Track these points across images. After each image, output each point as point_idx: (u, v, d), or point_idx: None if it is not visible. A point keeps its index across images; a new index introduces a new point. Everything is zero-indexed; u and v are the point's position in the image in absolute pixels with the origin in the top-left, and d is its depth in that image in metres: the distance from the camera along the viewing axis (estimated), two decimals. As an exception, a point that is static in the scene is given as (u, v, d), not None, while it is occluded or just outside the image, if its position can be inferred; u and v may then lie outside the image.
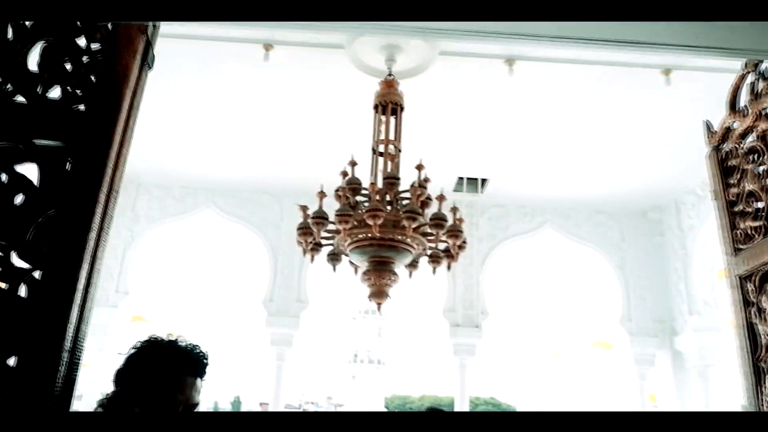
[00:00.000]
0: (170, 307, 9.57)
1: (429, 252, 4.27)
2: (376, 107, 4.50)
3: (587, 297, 8.48)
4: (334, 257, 4.38)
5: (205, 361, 1.61)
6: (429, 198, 4.10)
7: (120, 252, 7.18)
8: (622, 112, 5.48)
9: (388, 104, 4.44)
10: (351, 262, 4.36)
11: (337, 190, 4.09)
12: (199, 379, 1.59)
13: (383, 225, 3.78)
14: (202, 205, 7.44)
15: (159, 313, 9.30)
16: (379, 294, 3.92)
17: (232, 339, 12.27)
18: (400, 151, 4.37)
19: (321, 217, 3.78)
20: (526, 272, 8.66)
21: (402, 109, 4.52)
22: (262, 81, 5.24)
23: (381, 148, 4.41)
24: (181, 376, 1.56)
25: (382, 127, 4.44)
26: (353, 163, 4.13)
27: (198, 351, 1.61)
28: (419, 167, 4.07)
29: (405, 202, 3.99)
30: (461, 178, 7.07)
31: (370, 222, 3.59)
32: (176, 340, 1.61)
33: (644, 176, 6.75)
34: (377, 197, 3.83)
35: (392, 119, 4.50)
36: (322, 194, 3.98)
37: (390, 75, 4.59)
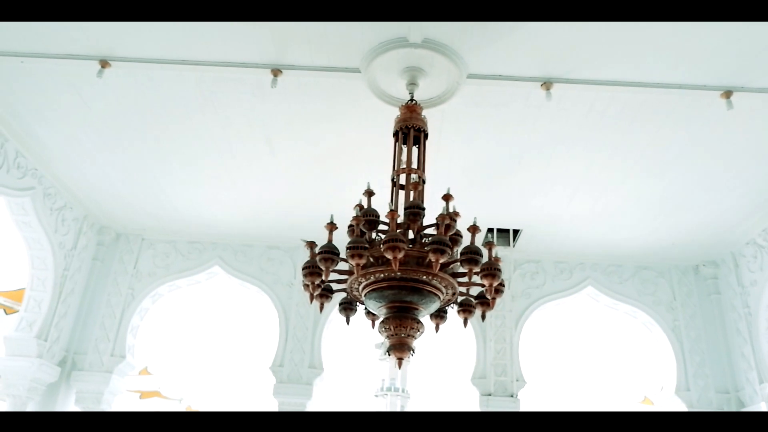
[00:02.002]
0: (173, 372, 8.83)
1: (459, 299, 3.60)
2: (396, 134, 3.96)
3: (636, 364, 7.58)
4: (347, 306, 3.73)
5: None
6: (459, 234, 3.48)
7: (118, 311, 6.61)
8: (670, 145, 4.87)
9: (411, 129, 3.89)
10: (367, 311, 3.70)
11: (350, 226, 3.48)
12: None
13: (405, 263, 3.14)
14: (209, 261, 6.89)
15: (160, 378, 8.58)
16: (400, 347, 3.22)
17: (238, 408, 11.38)
18: (424, 182, 3.77)
19: (330, 252, 3.15)
20: (566, 335, 7.83)
21: (426, 136, 3.97)
22: (269, 112, 4.77)
23: (402, 181, 3.83)
24: None
25: (404, 156, 3.88)
26: (369, 193, 3.55)
27: None
28: (447, 197, 3.46)
29: (431, 239, 3.35)
30: (491, 230, 6.45)
31: (389, 256, 2.95)
32: None
33: (695, 225, 6.05)
34: (398, 230, 3.21)
35: (414, 148, 3.95)
36: (332, 226, 3.36)
37: (412, 100, 4.07)
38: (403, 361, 3.28)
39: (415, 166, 3.82)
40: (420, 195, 3.61)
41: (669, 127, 4.65)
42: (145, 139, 5.28)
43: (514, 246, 6.51)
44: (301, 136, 5.07)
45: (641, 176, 5.32)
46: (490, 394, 6.13)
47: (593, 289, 6.68)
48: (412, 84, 4.20)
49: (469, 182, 5.52)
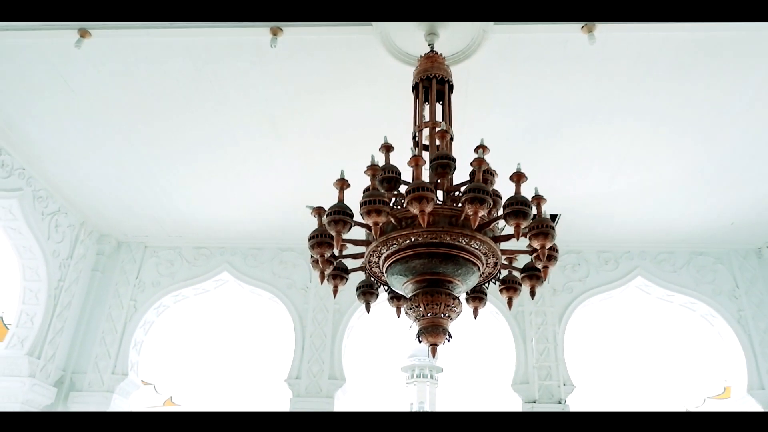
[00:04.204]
0: (181, 388, 8.21)
1: (501, 274, 2.98)
2: (415, 87, 3.37)
3: (696, 362, 6.81)
4: (366, 290, 3.10)
5: None
6: (498, 194, 2.86)
7: (120, 325, 6.05)
8: (733, 99, 4.20)
9: (433, 80, 3.30)
10: (390, 295, 3.07)
11: (365, 190, 2.87)
12: None
13: (434, 223, 2.53)
14: (217, 267, 6.32)
15: (167, 396, 7.99)
16: (432, 329, 2.57)
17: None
18: (452, 138, 3.16)
19: (342, 213, 2.53)
20: (615, 333, 7.09)
21: (451, 88, 3.38)
22: (270, 84, 4.22)
23: (425, 141, 3.23)
24: None
25: (426, 112, 3.29)
26: (387, 148, 2.94)
27: None
28: (482, 148, 2.84)
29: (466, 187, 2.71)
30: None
31: (415, 210, 2.33)
32: None
33: (758, 199, 5.33)
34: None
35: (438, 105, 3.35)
36: (342, 182, 2.75)
37: (432, 51, 3.49)
38: (438, 348, 2.64)
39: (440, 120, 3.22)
40: (448, 147, 3.00)
41: (730, 76, 4.00)
42: (138, 128, 4.78)
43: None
44: (308, 113, 4.51)
45: (697, 141, 4.65)
46: (534, 401, 5.41)
47: (643, 279, 5.97)
48: (431, 34, 3.65)
49: (498, 158, 4.86)
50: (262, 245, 6.34)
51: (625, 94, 4.19)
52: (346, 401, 5.88)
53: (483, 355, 8.91)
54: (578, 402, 5.51)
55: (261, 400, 8.30)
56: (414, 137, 3.22)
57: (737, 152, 4.75)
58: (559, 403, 5.37)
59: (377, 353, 9.32)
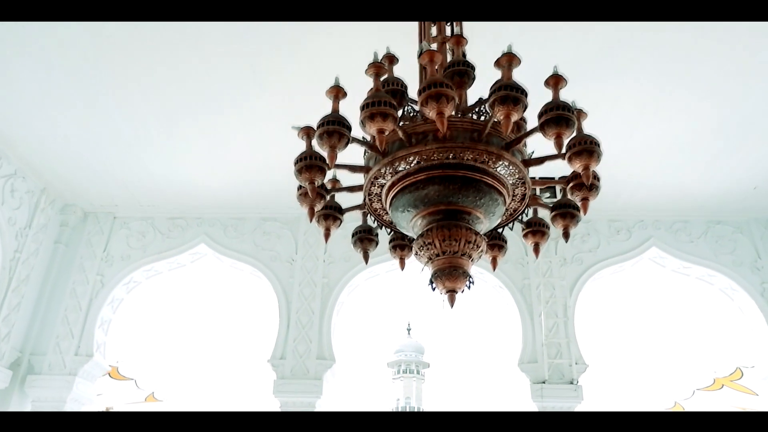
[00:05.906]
0: (153, 372, 7.65)
1: (527, 213, 2.50)
2: (420, 3, 2.86)
3: (713, 338, 6.40)
4: (365, 237, 2.57)
5: None
6: (523, 118, 2.38)
7: (85, 302, 5.49)
8: (752, 47, 3.74)
9: (441, -8, 2.78)
10: (393, 242, 2.55)
11: (363, 107, 2.32)
12: None
13: (452, 138, 2.04)
14: (194, 239, 5.78)
15: (139, 380, 7.44)
16: (450, 272, 2.05)
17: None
18: (465, 56, 2.65)
19: (337, 123, 2.01)
20: (628, 307, 6.65)
21: (462, 3, 2.87)
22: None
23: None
24: None
25: (434, 30, 2.78)
26: (391, 59, 2.43)
27: None
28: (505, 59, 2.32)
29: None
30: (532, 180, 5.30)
31: (431, 112, 1.82)
32: None
33: (783, 162, 4.90)
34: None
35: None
36: (338, 90, 2.23)
37: (439, -37, 2.97)
38: (456, 296, 2.12)
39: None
40: (464, 55, 2.49)
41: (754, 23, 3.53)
42: (104, 81, 4.24)
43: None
44: (293, 55, 3.98)
45: (719, 95, 4.23)
46: (544, 382, 4.94)
47: (658, 250, 5.53)
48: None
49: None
50: (243, 215, 5.80)
51: (644, 42, 3.72)
52: (335, 384, 5.37)
53: (475, 343, 8.41)
54: (591, 383, 5.03)
55: (243, 383, 7.75)
56: (419, 56, 2.70)
57: (762, 107, 4.30)
58: (571, 383, 4.89)
59: (366, 339, 8.79)
